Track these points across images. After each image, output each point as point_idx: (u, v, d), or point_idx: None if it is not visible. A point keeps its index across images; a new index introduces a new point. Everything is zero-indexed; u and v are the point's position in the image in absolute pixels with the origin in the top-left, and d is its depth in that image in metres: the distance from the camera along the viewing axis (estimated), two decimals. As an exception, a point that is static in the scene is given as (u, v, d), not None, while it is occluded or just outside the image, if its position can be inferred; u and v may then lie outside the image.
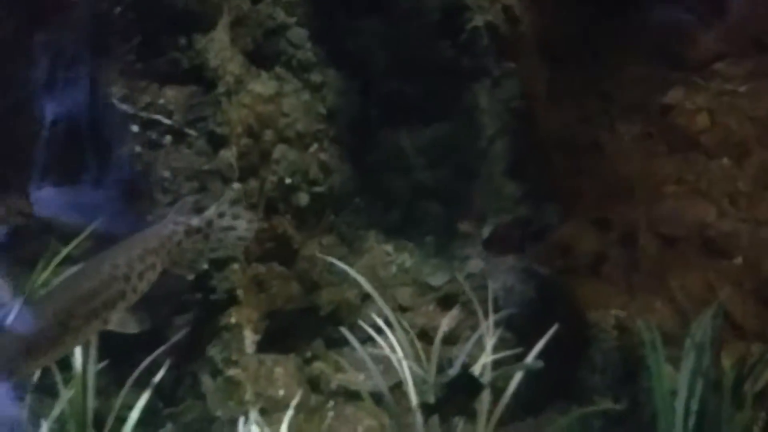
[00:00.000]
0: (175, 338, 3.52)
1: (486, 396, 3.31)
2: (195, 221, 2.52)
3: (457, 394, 3.08)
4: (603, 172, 4.00)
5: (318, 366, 4.12)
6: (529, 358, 3.42)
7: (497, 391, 3.37)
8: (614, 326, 3.92)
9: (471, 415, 3.24)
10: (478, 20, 4.25)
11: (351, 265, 3.96)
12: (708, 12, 3.76)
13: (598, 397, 3.84)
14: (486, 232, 4.27)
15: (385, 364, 3.55)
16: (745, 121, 3.71)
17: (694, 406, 3.26)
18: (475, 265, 4.22)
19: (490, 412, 3.29)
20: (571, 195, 4.07)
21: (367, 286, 3.71)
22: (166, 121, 3.78)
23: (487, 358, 3.40)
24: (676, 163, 3.86)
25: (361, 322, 3.69)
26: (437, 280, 4.24)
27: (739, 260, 3.68)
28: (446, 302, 4.16)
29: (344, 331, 3.63)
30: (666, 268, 3.84)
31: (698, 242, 3.79)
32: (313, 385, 4.08)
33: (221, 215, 2.58)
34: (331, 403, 4.02)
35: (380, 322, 3.55)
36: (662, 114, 3.89)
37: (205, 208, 2.60)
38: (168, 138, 3.79)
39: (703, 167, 3.80)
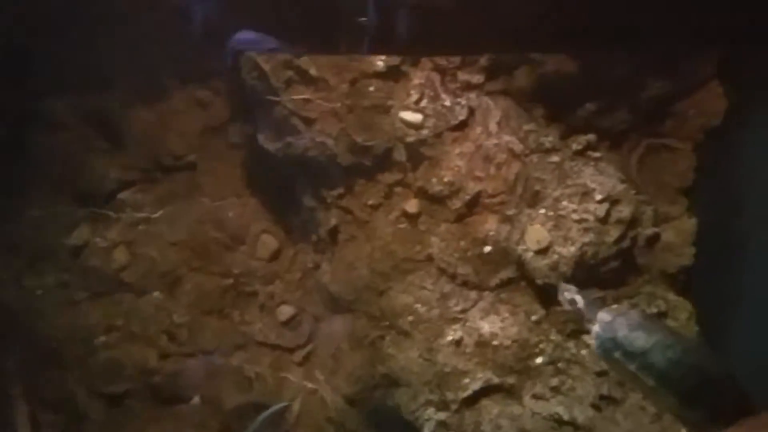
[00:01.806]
0: None
1: None
2: None
3: None
4: (22, 338, 3.27)
5: None
6: None
7: None
8: None
9: None
10: None
11: None
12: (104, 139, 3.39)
13: None
14: None
15: None
16: (167, 247, 3.39)
17: None
18: None
19: None
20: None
21: None
22: None
23: None
24: (102, 309, 3.36)
25: None
26: None
27: (197, 400, 3.31)
28: None
29: None
30: (118, 431, 3.27)
31: (147, 392, 3.31)
32: None
33: None
34: None
35: None
36: (74, 256, 3.35)
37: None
38: None
39: (131, 307, 3.36)
